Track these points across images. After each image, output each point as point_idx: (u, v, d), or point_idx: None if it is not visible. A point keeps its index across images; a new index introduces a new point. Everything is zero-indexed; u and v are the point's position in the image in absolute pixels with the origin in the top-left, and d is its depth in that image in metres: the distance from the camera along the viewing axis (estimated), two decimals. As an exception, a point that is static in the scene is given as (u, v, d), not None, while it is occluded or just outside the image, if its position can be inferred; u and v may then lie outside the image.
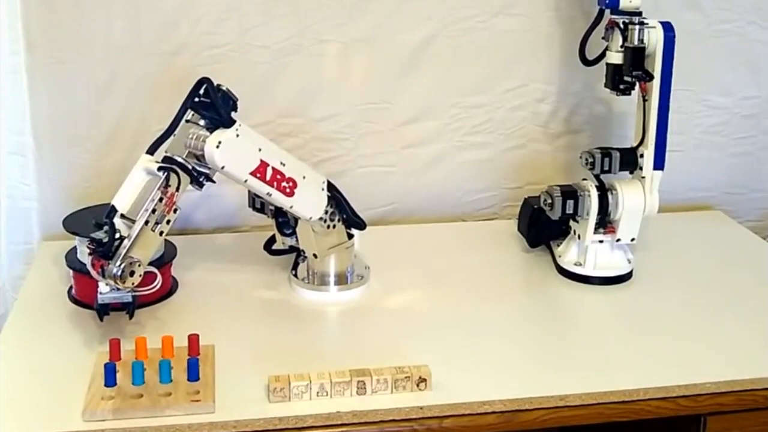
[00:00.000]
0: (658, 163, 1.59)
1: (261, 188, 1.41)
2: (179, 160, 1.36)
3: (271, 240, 1.62)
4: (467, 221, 1.91)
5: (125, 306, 1.35)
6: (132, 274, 1.28)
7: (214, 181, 1.41)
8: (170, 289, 1.55)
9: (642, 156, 1.59)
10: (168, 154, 1.37)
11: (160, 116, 1.72)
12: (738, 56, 1.90)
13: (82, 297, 1.49)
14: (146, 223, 1.31)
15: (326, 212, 1.51)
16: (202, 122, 1.37)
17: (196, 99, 1.38)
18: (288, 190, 1.43)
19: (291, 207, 1.46)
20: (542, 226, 1.69)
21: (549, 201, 1.61)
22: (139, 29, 1.68)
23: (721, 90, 1.93)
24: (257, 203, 1.56)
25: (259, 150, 1.39)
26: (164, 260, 1.53)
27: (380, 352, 1.36)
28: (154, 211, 1.31)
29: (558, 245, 1.68)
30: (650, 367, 1.34)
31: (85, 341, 1.38)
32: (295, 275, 1.58)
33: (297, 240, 1.55)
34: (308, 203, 1.48)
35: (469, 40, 1.80)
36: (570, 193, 1.60)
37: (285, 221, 1.54)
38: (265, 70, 1.75)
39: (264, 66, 1.74)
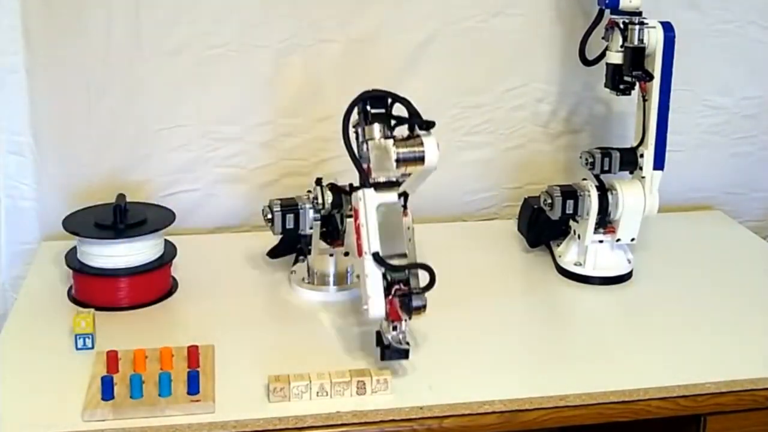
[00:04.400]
0: (658, 163, 1.59)
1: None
2: (398, 180, 1.31)
3: (275, 248, 1.63)
4: (467, 221, 1.91)
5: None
6: None
7: None
8: (170, 289, 1.55)
9: (642, 156, 1.59)
10: (378, 179, 1.29)
11: (160, 116, 1.74)
12: (738, 56, 1.90)
13: (82, 297, 1.49)
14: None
15: None
16: (379, 134, 1.30)
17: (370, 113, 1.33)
18: None
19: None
20: (542, 226, 1.69)
21: (549, 201, 1.61)
22: (139, 29, 1.68)
23: (721, 90, 1.93)
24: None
25: None
26: (164, 260, 1.53)
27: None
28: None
29: (558, 245, 1.68)
30: (650, 367, 1.34)
31: (85, 341, 1.38)
32: (295, 275, 1.58)
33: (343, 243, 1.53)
34: None
35: (469, 40, 1.80)
36: (570, 193, 1.60)
37: (334, 228, 1.52)
38: (265, 70, 1.75)
39: (264, 66, 1.74)
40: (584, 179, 1.63)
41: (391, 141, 1.31)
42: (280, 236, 1.58)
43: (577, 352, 1.40)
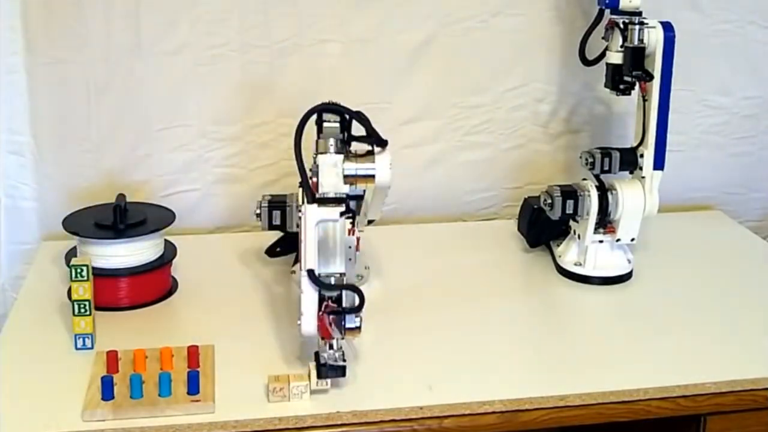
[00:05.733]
0: (658, 163, 1.59)
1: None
2: (344, 195, 1.25)
3: (273, 246, 1.63)
4: (467, 221, 1.91)
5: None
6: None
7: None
8: (170, 289, 1.55)
9: (642, 156, 1.59)
10: (328, 194, 1.24)
11: (160, 116, 1.74)
12: (738, 56, 1.90)
13: (82, 297, 1.49)
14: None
15: None
16: (332, 148, 1.27)
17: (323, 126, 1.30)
18: None
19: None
20: (542, 226, 1.69)
21: (549, 201, 1.61)
22: (139, 29, 1.68)
23: (721, 90, 1.92)
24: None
25: None
26: (164, 260, 1.53)
27: (380, 351, 1.36)
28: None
29: (558, 245, 1.68)
30: (650, 367, 1.35)
31: (85, 341, 1.38)
32: (295, 275, 1.58)
33: None
34: None
35: (469, 40, 1.80)
36: (570, 193, 1.60)
37: None
38: (265, 70, 1.75)
39: (264, 66, 1.74)
40: (584, 179, 1.63)
41: (341, 156, 1.27)
42: (281, 234, 1.58)
43: (577, 352, 1.40)
